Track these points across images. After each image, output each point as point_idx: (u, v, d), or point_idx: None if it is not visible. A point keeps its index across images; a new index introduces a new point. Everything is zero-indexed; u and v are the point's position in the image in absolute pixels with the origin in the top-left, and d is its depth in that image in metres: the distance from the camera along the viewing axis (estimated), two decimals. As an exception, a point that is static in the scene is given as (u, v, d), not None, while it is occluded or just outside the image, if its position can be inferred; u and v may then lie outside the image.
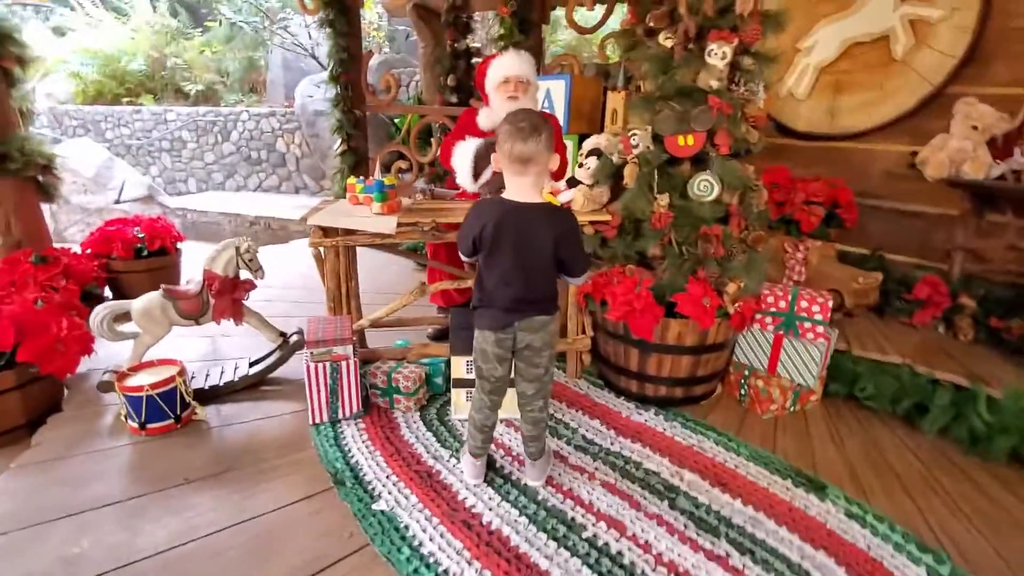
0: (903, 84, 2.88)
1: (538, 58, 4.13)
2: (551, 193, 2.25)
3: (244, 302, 2.24)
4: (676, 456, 1.93)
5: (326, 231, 2.09)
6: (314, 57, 7.04)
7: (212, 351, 2.62)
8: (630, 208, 2.09)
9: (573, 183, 2.30)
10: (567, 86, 3.77)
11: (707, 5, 1.90)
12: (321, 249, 2.14)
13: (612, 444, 1.99)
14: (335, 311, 2.21)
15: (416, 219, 2.10)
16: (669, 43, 2.07)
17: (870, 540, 1.58)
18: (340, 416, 2.06)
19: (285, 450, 1.92)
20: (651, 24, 2.07)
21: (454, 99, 4.88)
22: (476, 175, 2.28)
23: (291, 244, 4.80)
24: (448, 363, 2.30)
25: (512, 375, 1.70)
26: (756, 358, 2.24)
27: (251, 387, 2.28)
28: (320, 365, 1.97)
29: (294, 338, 2.37)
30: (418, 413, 2.14)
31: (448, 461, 1.85)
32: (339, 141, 4.77)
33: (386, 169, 4.93)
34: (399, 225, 2.06)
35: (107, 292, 3.19)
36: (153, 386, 1.92)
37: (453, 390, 2.09)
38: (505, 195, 1.52)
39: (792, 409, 2.24)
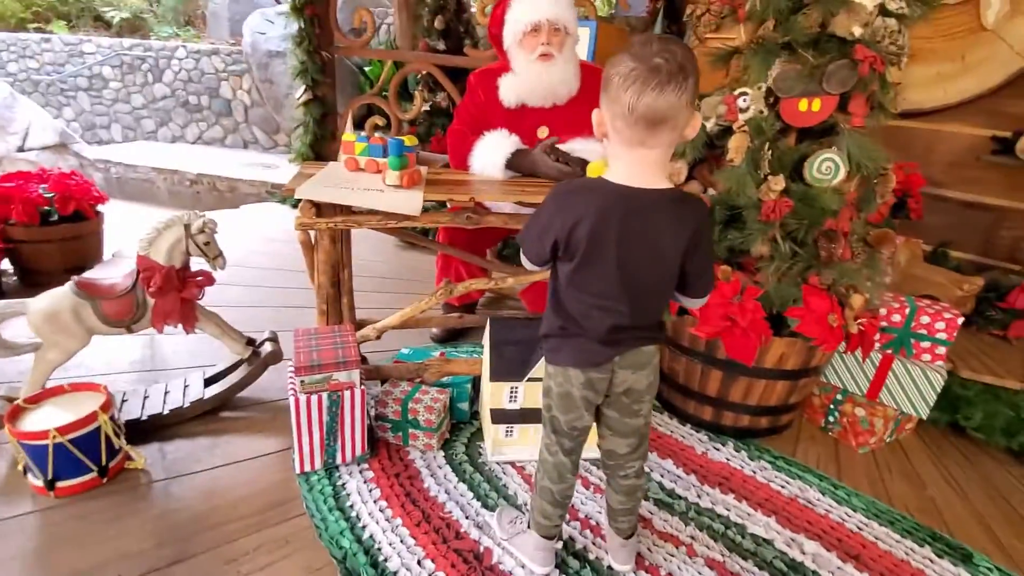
0: (990, 56, 2.50)
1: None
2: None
3: (197, 301, 1.61)
4: (782, 513, 1.52)
5: (320, 208, 1.48)
6: (265, -14, 6.03)
7: (149, 359, 1.97)
8: (732, 192, 1.60)
9: (643, 155, 1.77)
10: (592, 35, 3.19)
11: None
12: (312, 233, 1.53)
13: (700, 497, 1.55)
14: (329, 318, 1.62)
15: (449, 195, 1.52)
16: (789, -29, 1.55)
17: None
18: (339, 462, 1.52)
19: (263, 518, 1.36)
20: (775, -57, 1.54)
21: (441, 45, 4.19)
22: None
23: (243, 210, 4.05)
24: (475, 384, 1.79)
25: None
26: (853, 381, 1.85)
27: (208, 414, 1.68)
28: (314, 397, 1.41)
29: (266, 348, 1.77)
30: (441, 452, 1.62)
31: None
32: (301, 88, 3.98)
33: (358, 125, 4.21)
34: (425, 203, 1.49)
35: (2, 267, 2.43)
36: (63, 430, 1.30)
37: (492, 426, 1.57)
38: (610, 176, 0.98)
39: (888, 440, 1.88)
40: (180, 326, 1.58)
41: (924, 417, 1.77)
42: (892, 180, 1.66)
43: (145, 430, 1.56)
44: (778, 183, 1.56)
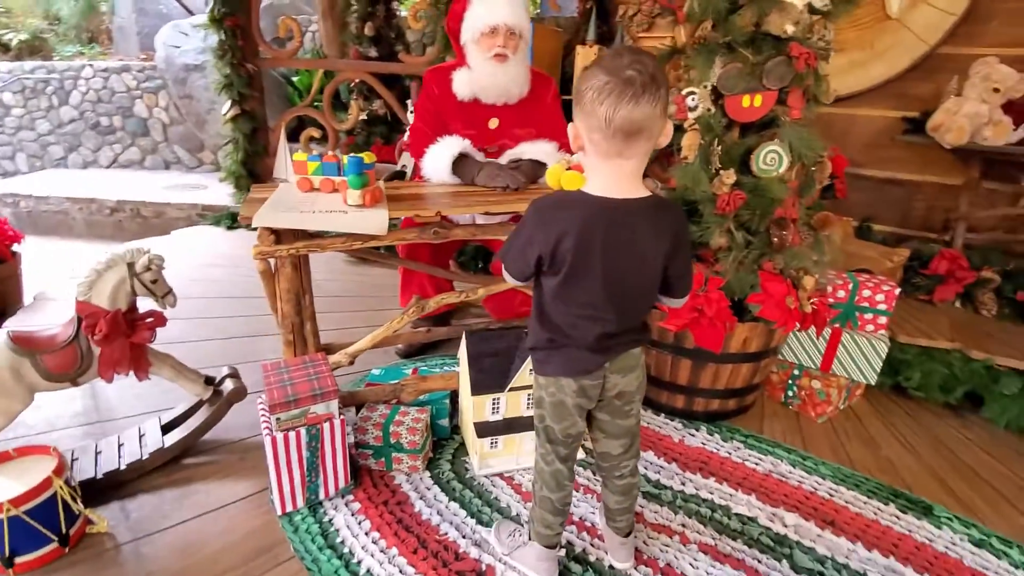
0: (896, 43, 2.71)
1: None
2: (570, 168, 1.75)
3: (150, 344, 1.50)
4: (760, 489, 1.59)
5: (279, 235, 1.41)
6: (176, -3, 5.64)
7: (93, 410, 1.82)
8: (687, 188, 1.65)
9: (599, 156, 1.81)
10: (529, 36, 3.21)
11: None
12: (271, 261, 1.46)
13: (684, 484, 1.60)
14: (295, 348, 1.55)
15: (415, 211, 1.49)
16: (722, -26, 1.63)
17: (1019, 577, 1.36)
18: (322, 497, 1.46)
19: (249, 568, 1.28)
20: (706, -52, 1.60)
21: (373, 52, 4.08)
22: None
23: (174, 236, 3.80)
24: (452, 398, 1.76)
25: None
26: (807, 356, 1.96)
27: (170, 463, 1.57)
28: (291, 434, 1.34)
29: (228, 385, 1.67)
30: (427, 473, 1.59)
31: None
32: (227, 104, 3.78)
33: (291, 138, 4.05)
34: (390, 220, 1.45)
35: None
36: (17, 501, 1.18)
37: (477, 440, 1.56)
38: (589, 188, 1.00)
39: (842, 407, 2.01)
40: (134, 374, 1.46)
41: (873, 383, 1.91)
42: (828, 166, 1.78)
43: (103, 489, 1.43)
44: (729, 177, 1.63)
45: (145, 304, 1.51)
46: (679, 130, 1.70)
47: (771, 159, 1.64)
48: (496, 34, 1.76)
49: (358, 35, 4.04)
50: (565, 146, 1.93)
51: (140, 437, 1.58)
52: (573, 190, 1.03)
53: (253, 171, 3.96)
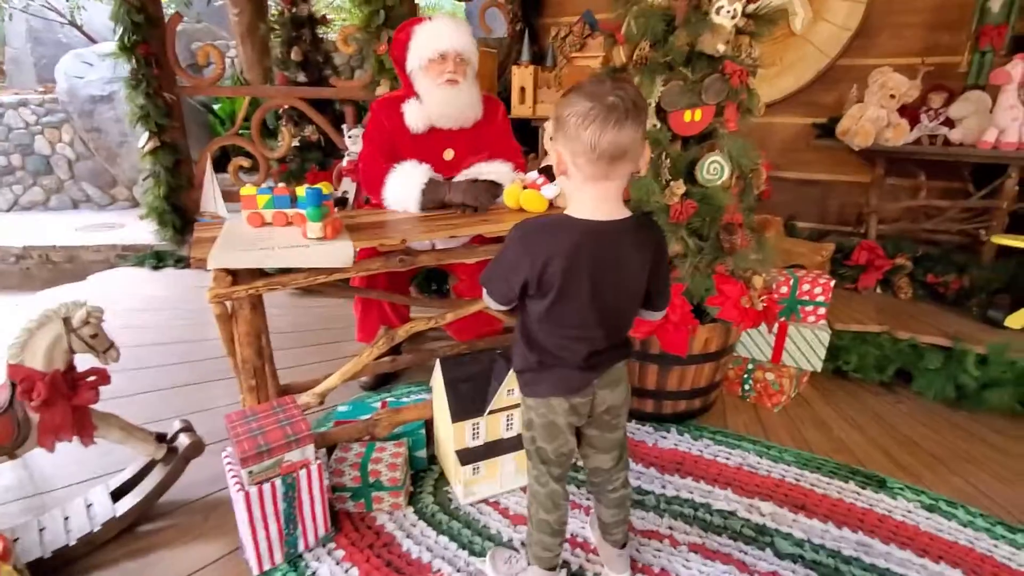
0: (801, 57, 2.97)
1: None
2: (526, 187, 1.78)
3: (93, 406, 1.36)
4: (735, 483, 1.67)
5: (236, 275, 1.33)
6: (75, 25, 5.21)
7: (28, 481, 1.63)
8: (642, 199, 1.72)
9: (549, 173, 1.84)
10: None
11: (715, -49, 1.59)
12: (228, 304, 1.37)
13: (664, 487, 1.65)
14: (259, 394, 1.46)
15: (379, 240, 1.45)
16: (658, -1, 1.73)
17: (967, 535, 1.49)
18: (301, 549, 1.37)
19: (232, 636, 1.19)
20: (640, -26, 1.69)
21: (301, 77, 3.96)
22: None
23: (91, 281, 3.49)
24: (426, 426, 1.73)
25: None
26: (759, 350, 2.09)
27: (125, 532, 1.43)
28: (265, 486, 1.26)
29: (182, 440, 1.55)
30: (410, 509, 1.54)
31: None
32: (145, 136, 3.55)
33: (217, 169, 3.85)
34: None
35: None
36: (-61, 606, 1.03)
37: (460, 467, 1.53)
38: (572, 212, 1.02)
39: (793, 395, 2.14)
40: (79, 439, 1.32)
41: (818, 370, 2.05)
42: (764, 173, 1.91)
43: (54, 570, 1.28)
44: (679, 187, 1.71)
45: (84, 361, 1.38)
46: (629, 146, 1.77)
47: (714, 169, 1.74)
48: (445, 60, 1.75)
49: (284, 60, 3.91)
50: (520, 166, 1.97)
51: (88, 508, 1.43)
52: (557, 213, 1.05)
53: (177, 206, 3.72)
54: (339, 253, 1.38)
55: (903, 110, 2.57)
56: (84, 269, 3.76)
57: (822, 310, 2.04)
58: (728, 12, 1.63)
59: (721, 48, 1.68)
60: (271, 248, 1.33)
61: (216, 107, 4.79)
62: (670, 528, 1.49)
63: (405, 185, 1.75)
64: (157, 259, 3.65)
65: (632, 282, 1.05)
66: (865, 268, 2.55)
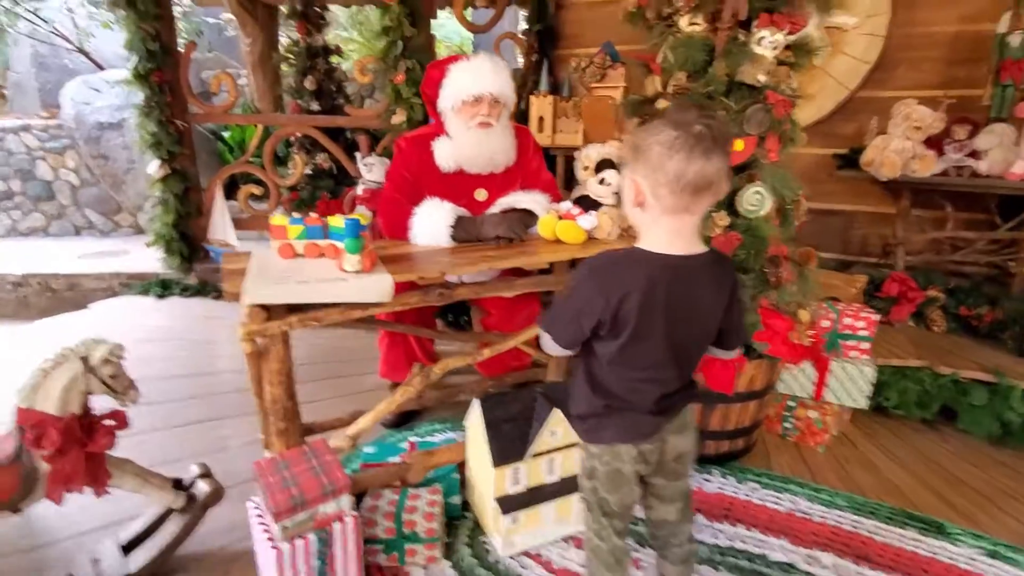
0: (821, 89, 2.98)
1: (430, 57, 3.53)
2: (562, 217, 1.72)
3: (110, 452, 1.25)
4: (789, 532, 1.57)
5: (270, 311, 1.25)
6: (83, 52, 5.21)
7: (25, 532, 1.49)
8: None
9: (589, 204, 1.79)
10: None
11: (760, -18, 1.57)
12: (259, 340, 1.28)
13: (716, 536, 1.54)
14: (288, 438, 1.36)
15: (419, 273, 1.38)
16: (694, 28, 1.71)
17: (1046, 590, 1.39)
18: (333, 609, 1.26)
19: None
20: (683, 3, 1.67)
21: (315, 106, 3.96)
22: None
23: (94, 310, 3.39)
24: (460, 470, 1.62)
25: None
26: (800, 386, 2.00)
27: (137, 591, 1.31)
28: (299, 542, 1.15)
29: (201, 487, 1.44)
30: (447, 562, 1.43)
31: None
32: (155, 163, 3.50)
33: (227, 197, 3.79)
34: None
35: None
36: None
37: (501, 516, 1.42)
38: (646, 245, 0.96)
39: (835, 434, 2.06)
40: (92, 490, 1.21)
41: (864, 407, 1.97)
42: (804, 204, 1.87)
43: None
44: (722, 219, 1.66)
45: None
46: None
47: (756, 199, 1.69)
48: (480, 102, 1.70)
49: (297, 89, 3.92)
50: (556, 196, 1.91)
51: (94, 564, 1.31)
52: (628, 247, 0.98)
53: (185, 233, 3.66)
54: (378, 287, 1.30)
55: (927, 142, 2.56)
56: (85, 297, 3.65)
57: (865, 344, 1.97)
58: (770, 43, 1.61)
59: (762, 78, 1.65)
60: (307, 282, 1.25)
61: (225, 135, 4.77)
62: (723, 582, 1.39)
63: (432, 225, 1.67)
64: (163, 287, 3.55)
65: (708, 320, 0.98)
66: (897, 300, 2.49)
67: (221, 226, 3.68)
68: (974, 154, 2.49)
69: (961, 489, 1.79)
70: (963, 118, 2.53)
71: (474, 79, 1.70)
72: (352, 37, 6.57)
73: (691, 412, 1.09)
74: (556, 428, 1.45)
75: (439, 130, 1.82)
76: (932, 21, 2.76)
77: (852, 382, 1.95)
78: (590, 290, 0.95)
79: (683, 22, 1.72)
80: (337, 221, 1.42)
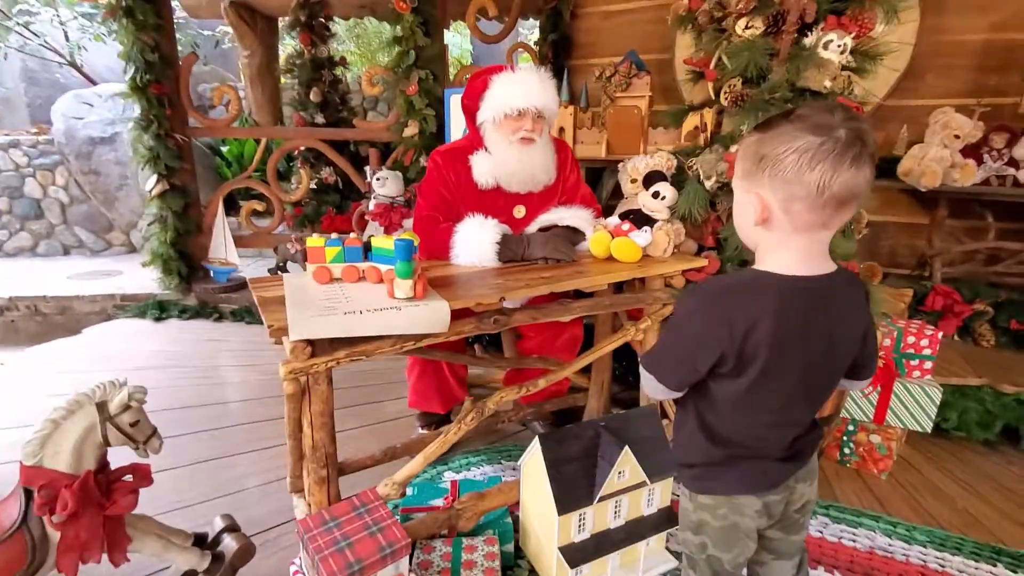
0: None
1: (443, 68, 3.42)
2: (611, 232, 1.60)
3: (131, 512, 1.09)
4: (876, 573, 1.43)
5: (315, 345, 1.10)
6: (74, 66, 5.02)
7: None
8: (742, 248, 1.54)
9: (641, 219, 1.67)
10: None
11: (827, -18, 1.47)
12: (303, 379, 1.13)
13: (797, 582, 1.40)
14: (330, 486, 1.20)
15: (477, 299, 1.24)
16: (751, 32, 1.61)
17: None
18: None
19: None
20: (740, 7, 1.57)
21: (320, 119, 3.82)
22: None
23: (87, 335, 3.19)
24: (513, 515, 1.47)
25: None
26: (859, 409, 1.88)
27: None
28: (355, 613, 0.99)
29: (228, 543, 1.27)
30: (507, 621, 1.27)
31: None
32: (153, 179, 3.33)
33: (227, 213, 3.63)
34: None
35: None
36: None
37: (570, 571, 1.27)
38: (771, 267, 0.83)
39: (895, 459, 1.94)
40: (109, 559, 1.04)
41: (929, 430, 1.86)
42: (865, 216, 1.76)
43: None
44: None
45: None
46: (731, 189, 1.61)
47: (821, 213, 1.58)
48: (523, 117, 1.58)
49: (302, 101, 3.78)
50: (598, 211, 1.79)
51: (108, 640, 1.13)
52: (748, 269, 0.86)
53: (184, 252, 3.48)
54: (435, 316, 1.16)
55: (963, 151, 2.49)
56: (78, 321, 3.46)
57: (928, 364, 1.86)
58: (838, 47, 1.51)
59: (828, 84, 1.55)
60: (357, 312, 1.11)
61: (223, 149, 4.61)
62: (824, 639, 1.25)
63: (476, 244, 1.53)
64: (160, 310, 3.37)
65: (845, 350, 0.86)
66: (942, 314, 2.40)
67: (222, 244, 3.51)
68: (1012, 163, 2.42)
69: (1041, 518, 1.67)
70: (1001, 126, 2.47)
71: (519, 92, 1.58)
72: (350, 49, 6.46)
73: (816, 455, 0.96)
74: (624, 468, 1.31)
75: (476, 143, 1.70)
76: (961, 29, 2.70)
77: (917, 404, 1.83)
78: (708, 321, 0.82)
79: (739, 26, 1.62)
80: (384, 242, 1.28)
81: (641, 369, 0.93)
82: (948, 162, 2.45)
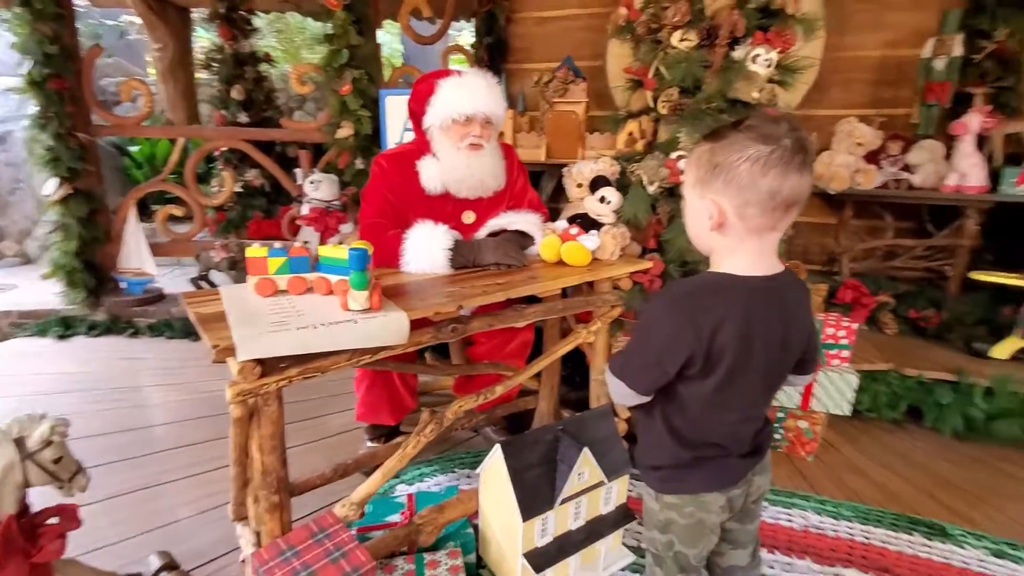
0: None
1: (378, 68, 3.33)
2: (560, 237, 1.63)
3: (59, 555, 0.97)
4: (810, 551, 1.55)
5: (267, 366, 1.04)
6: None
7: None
8: (693, 251, 1.62)
9: (589, 223, 1.71)
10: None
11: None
12: (251, 401, 1.06)
13: (743, 565, 1.49)
14: (283, 512, 1.13)
15: (435, 309, 1.21)
16: (686, 45, 1.69)
17: (1049, 582, 1.47)
18: None
19: None
20: (675, 21, 1.65)
21: (244, 118, 3.60)
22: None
23: (-25, 357, 2.83)
24: (473, 524, 1.46)
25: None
26: (788, 397, 2.03)
27: None
28: (320, 644, 0.95)
29: (169, 580, 1.17)
30: (473, 633, 1.26)
31: None
32: (53, 181, 3.01)
33: (143, 217, 3.35)
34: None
35: None
36: None
37: (536, 574, 1.28)
38: (730, 269, 0.88)
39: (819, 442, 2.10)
40: (33, 615, 0.93)
41: (848, 414, 2.03)
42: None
43: None
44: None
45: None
46: (672, 194, 1.69)
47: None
48: (471, 123, 1.58)
49: (223, 99, 3.55)
50: (546, 215, 1.81)
51: None
52: (708, 272, 0.90)
53: (91, 263, 3.17)
54: (393, 327, 1.13)
55: (865, 157, 2.74)
56: (-39, 343, 3.04)
57: (846, 353, 2.03)
58: (764, 61, 1.62)
59: (756, 95, 1.66)
60: (311, 326, 1.06)
61: (133, 150, 4.24)
62: (771, 616, 1.33)
63: (428, 251, 1.51)
64: (64, 327, 3.05)
65: (797, 344, 0.92)
66: (852, 307, 2.63)
67: (136, 253, 3.23)
68: (907, 168, 2.70)
69: (948, 488, 1.87)
70: (896, 135, 2.74)
71: (466, 97, 1.57)
72: (272, 45, 6.14)
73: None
74: (583, 469, 1.34)
75: (423, 148, 1.67)
76: (860, 46, 2.97)
77: (837, 390, 2.00)
78: (675, 323, 0.85)
79: (674, 38, 1.70)
80: (333, 251, 1.22)
81: (608, 375, 0.95)
82: (853, 167, 2.70)
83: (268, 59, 3.77)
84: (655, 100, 1.79)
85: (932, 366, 2.24)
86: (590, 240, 1.62)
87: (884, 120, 2.80)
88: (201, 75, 3.62)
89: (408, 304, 1.23)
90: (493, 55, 3.49)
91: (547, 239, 1.62)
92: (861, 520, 1.68)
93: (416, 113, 1.64)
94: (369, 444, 1.93)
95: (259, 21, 5.90)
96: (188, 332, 3.03)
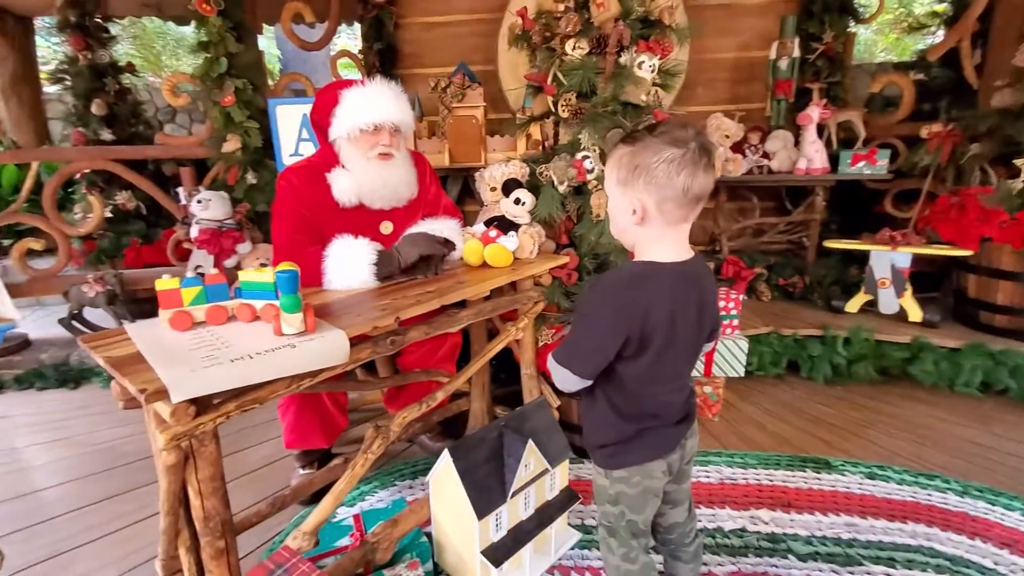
0: (644, 104, 3.40)
1: (262, 77, 3.17)
2: (481, 240, 1.69)
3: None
4: (728, 499, 1.76)
5: (201, 404, 0.98)
6: None
7: None
8: (597, 242, 1.75)
9: (506, 225, 1.78)
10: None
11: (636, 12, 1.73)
12: (188, 443, 1.00)
13: (675, 523, 1.65)
14: (230, 557, 1.07)
15: (372, 324, 1.21)
16: (579, 53, 1.82)
17: (908, 491, 1.77)
18: None
19: None
20: (568, 31, 1.76)
21: (107, 135, 3.21)
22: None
23: None
24: (427, 534, 1.48)
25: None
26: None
27: None
28: None
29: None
30: (441, 637, 1.29)
31: None
32: None
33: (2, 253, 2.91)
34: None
35: None
36: None
37: (493, 570, 1.33)
38: (654, 257, 0.99)
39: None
40: None
41: (743, 375, 2.30)
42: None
43: None
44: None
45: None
46: (580, 192, 1.81)
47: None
48: (380, 132, 1.57)
49: (80, 115, 3.14)
50: (462, 220, 1.85)
51: None
52: (637, 262, 1.00)
53: (-80, 312, 2.68)
54: (333, 347, 1.11)
55: (732, 147, 3.10)
56: None
57: (735, 322, 2.30)
58: (649, 66, 1.79)
59: (644, 98, 1.82)
60: (246, 357, 1.01)
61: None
62: (704, 564, 1.49)
63: (351, 265, 1.48)
64: None
65: (709, 316, 1.06)
66: (734, 280, 2.96)
67: (-12, 296, 2.79)
68: (766, 155, 3.09)
69: (825, 426, 2.19)
70: (755, 127, 3.13)
71: (372, 106, 1.56)
72: (129, 52, 5.51)
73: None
74: (529, 460, 1.41)
75: (331, 160, 1.64)
76: (718, 49, 3.34)
77: (732, 355, 2.26)
78: (612, 312, 0.95)
79: (568, 46, 1.81)
80: (255, 276, 1.18)
81: (553, 365, 1.02)
82: (723, 157, 3.03)
83: (131, 69, 3.39)
84: (555, 104, 1.90)
85: (803, 324, 2.60)
86: (510, 241, 1.69)
87: (743, 114, 3.17)
88: (50, 90, 3.16)
89: (342, 322, 1.22)
90: (384, 61, 3.44)
91: (469, 243, 1.66)
92: (763, 466, 1.92)
93: (320, 124, 1.61)
94: (302, 472, 1.85)
95: (114, 27, 5.30)
96: (64, 380, 2.68)
